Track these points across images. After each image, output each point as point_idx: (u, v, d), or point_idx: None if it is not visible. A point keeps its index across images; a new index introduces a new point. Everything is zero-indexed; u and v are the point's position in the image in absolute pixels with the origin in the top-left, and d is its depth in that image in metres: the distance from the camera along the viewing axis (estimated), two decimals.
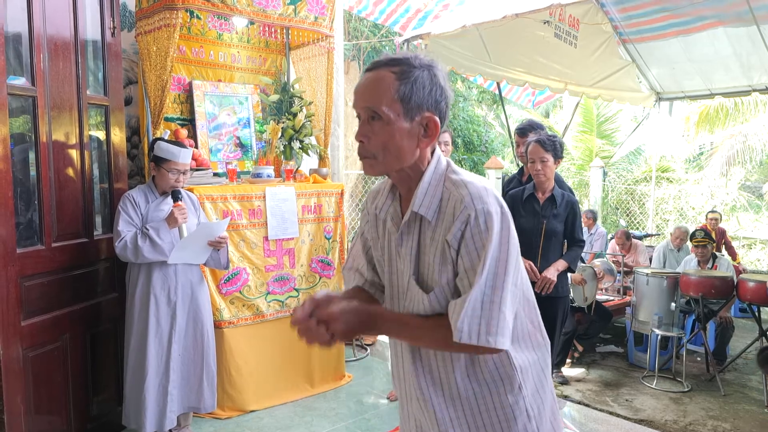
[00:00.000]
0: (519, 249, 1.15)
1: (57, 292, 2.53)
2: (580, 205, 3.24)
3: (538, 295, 2.86)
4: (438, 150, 1.20)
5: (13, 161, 2.26)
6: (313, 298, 1.12)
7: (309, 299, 1.12)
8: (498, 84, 6.07)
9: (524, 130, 3.46)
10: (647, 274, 4.22)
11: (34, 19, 2.35)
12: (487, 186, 1.13)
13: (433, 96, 1.12)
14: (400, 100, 1.10)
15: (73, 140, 2.63)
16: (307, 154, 3.77)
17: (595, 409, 3.52)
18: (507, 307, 1.07)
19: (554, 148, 2.87)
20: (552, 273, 2.86)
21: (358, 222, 8.14)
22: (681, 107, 10.06)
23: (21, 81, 2.36)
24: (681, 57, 6.01)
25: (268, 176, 3.41)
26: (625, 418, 3.40)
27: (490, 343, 1.06)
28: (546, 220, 2.90)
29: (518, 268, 1.13)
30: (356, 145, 1.18)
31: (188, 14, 3.50)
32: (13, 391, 2.24)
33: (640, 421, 3.35)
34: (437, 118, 1.13)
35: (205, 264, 2.85)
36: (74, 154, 2.64)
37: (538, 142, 2.87)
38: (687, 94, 6.82)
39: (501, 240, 1.08)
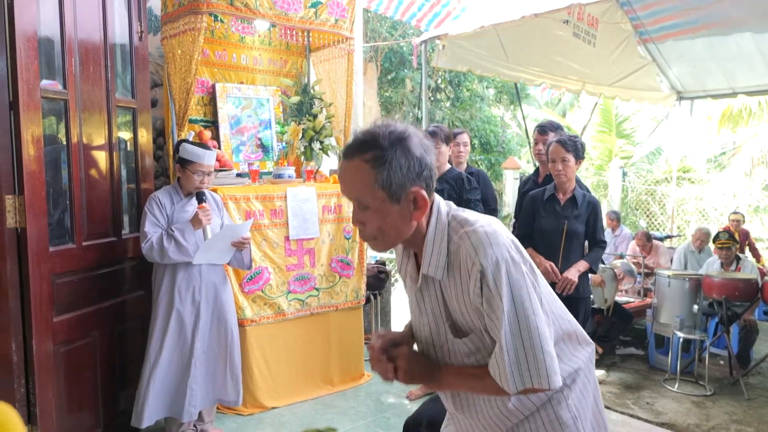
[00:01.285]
0: (535, 269, 1.18)
1: (87, 290, 2.59)
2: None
3: (558, 296, 2.86)
4: (437, 201, 1.19)
5: (45, 162, 2.33)
6: (387, 336, 1.25)
7: (383, 336, 1.25)
8: (516, 84, 6.05)
9: (544, 128, 3.45)
10: (669, 276, 4.18)
11: (65, 24, 2.42)
12: (489, 229, 1.11)
13: (412, 171, 1.11)
14: (382, 188, 1.10)
15: (103, 142, 2.70)
16: (327, 155, 3.81)
17: (616, 411, 3.50)
18: (547, 342, 1.10)
19: (575, 148, 2.87)
20: (573, 274, 2.85)
21: None
22: (702, 106, 9.89)
23: (54, 84, 2.43)
24: (703, 54, 5.91)
25: (290, 177, 3.45)
26: (646, 421, 3.37)
27: (543, 386, 1.10)
28: (567, 221, 2.90)
29: (539, 292, 1.14)
30: None
31: (212, 18, 3.56)
32: (45, 385, 2.31)
33: (661, 425, 3.32)
34: (424, 191, 1.13)
35: (228, 264, 2.90)
36: (103, 155, 2.71)
37: (560, 142, 2.87)
38: (709, 93, 6.71)
39: (516, 283, 1.09)
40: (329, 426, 3.00)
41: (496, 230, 1.12)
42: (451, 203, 1.24)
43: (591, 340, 1.31)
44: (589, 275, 3.06)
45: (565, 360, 1.23)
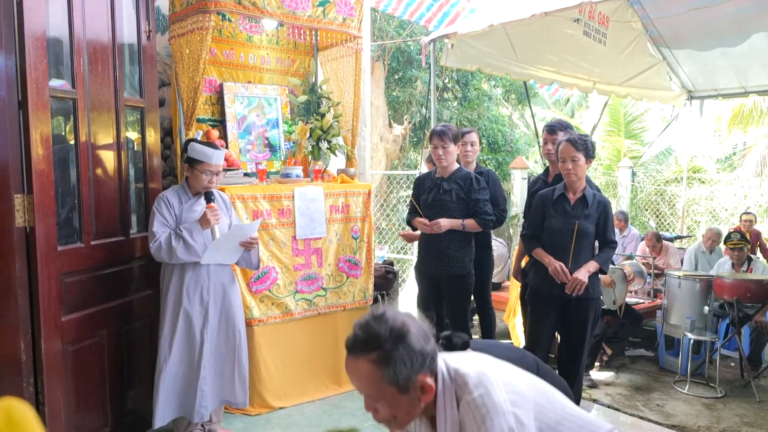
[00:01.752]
0: (541, 394, 1.26)
1: (95, 289, 2.60)
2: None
3: (568, 297, 2.84)
4: (438, 366, 1.26)
5: (54, 161, 2.33)
6: None
7: None
8: (525, 83, 6.02)
9: (553, 128, 3.42)
10: (679, 277, 4.13)
11: (74, 24, 2.43)
12: (488, 401, 1.19)
13: (416, 363, 1.19)
14: (390, 384, 1.19)
15: (111, 141, 2.70)
16: (335, 155, 3.80)
17: (625, 413, 3.46)
18: None
19: (586, 147, 2.83)
20: (583, 274, 2.82)
21: (382, 221, 8.12)
22: (712, 106, 9.80)
23: (62, 84, 2.43)
24: (714, 53, 5.85)
25: (297, 176, 3.44)
26: (656, 423, 3.34)
27: None
28: (577, 221, 2.86)
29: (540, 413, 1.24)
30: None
31: (220, 17, 3.55)
32: (53, 384, 2.32)
33: (672, 427, 3.28)
34: (429, 378, 1.22)
35: (236, 263, 2.89)
36: (112, 154, 2.72)
37: (570, 141, 2.84)
38: (720, 92, 6.64)
39: None
40: (352, 428, 2.99)
41: (495, 402, 1.19)
42: (442, 355, 1.29)
43: (605, 424, 1.37)
44: (599, 276, 3.03)
45: None
